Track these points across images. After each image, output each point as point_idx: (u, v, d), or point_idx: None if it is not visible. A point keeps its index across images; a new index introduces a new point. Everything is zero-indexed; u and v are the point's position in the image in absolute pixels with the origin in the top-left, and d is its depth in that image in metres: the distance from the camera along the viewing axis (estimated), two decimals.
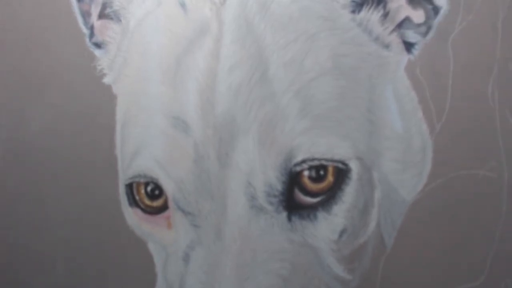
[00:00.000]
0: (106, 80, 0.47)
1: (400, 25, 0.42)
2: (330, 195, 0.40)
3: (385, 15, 0.42)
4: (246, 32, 0.41)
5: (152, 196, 0.43)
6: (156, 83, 0.43)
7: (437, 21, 0.42)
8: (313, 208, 0.40)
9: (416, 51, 0.42)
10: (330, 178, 0.40)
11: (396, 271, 0.42)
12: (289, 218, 0.40)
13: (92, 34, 0.48)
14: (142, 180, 0.43)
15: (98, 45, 0.48)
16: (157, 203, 0.43)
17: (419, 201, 0.42)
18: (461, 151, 0.42)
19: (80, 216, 0.47)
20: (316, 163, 0.39)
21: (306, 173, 0.40)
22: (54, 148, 0.48)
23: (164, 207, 0.43)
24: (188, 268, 0.41)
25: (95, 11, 0.47)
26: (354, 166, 0.40)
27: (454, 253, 0.42)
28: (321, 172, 0.40)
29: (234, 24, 0.41)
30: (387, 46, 0.42)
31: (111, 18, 0.47)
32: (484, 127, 0.42)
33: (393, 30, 0.42)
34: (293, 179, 0.40)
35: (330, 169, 0.40)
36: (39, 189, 0.48)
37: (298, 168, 0.39)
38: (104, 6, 0.47)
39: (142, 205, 0.44)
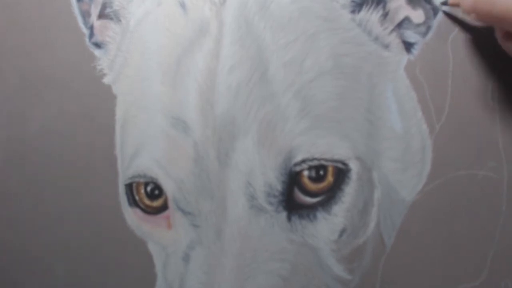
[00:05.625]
0: (106, 80, 0.47)
1: (399, 25, 0.42)
2: (330, 195, 0.40)
3: (385, 15, 0.42)
4: (246, 32, 0.41)
5: (152, 196, 0.43)
6: (156, 83, 0.43)
7: (436, 21, 0.42)
8: (313, 208, 0.40)
9: (415, 51, 0.42)
10: (329, 178, 0.40)
11: (396, 271, 0.42)
12: (289, 218, 0.40)
13: (92, 34, 0.48)
14: (141, 180, 0.43)
15: (98, 45, 0.48)
16: (157, 203, 0.43)
17: (419, 201, 0.42)
18: (461, 151, 0.42)
19: (79, 216, 0.47)
20: (315, 163, 0.39)
21: (305, 173, 0.40)
22: (54, 148, 0.48)
23: (164, 207, 0.43)
24: (188, 268, 0.41)
25: (94, 11, 0.47)
26: (353, 166, 0.40)
27: (454, 253, 0.42)
28: (321, 172, 0.40)
29: (234, 24, 0.41)
30: (386, 46, 0.42)
31: (111, 18, 0.47)
32: (484, 127, 0.42)
33: (393, 30, 0.42)
34: (292, 179, 0.40)
35: (330, 169, 0.40)
36: (38, 189, 0.48)
37: (297, 168, 0.39)
38: (104, 6, 0.47)
39: (142, 205, 0.44)
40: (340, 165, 0.40)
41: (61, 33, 0.48)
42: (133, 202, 0.44)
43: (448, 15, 0.42)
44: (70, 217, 0.48)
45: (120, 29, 0.46)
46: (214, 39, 0.41)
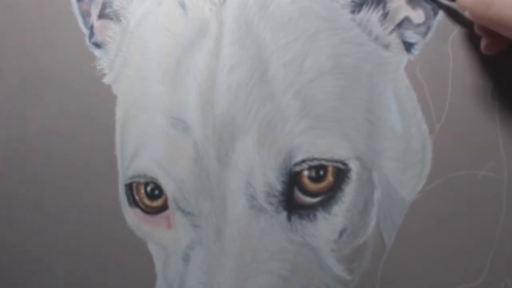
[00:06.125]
0: (106, 80, 0.47)
1: (399, 25, 0.42)
2: (330, 195, 0.40)
3: (385, 15, 0.42)
4: (246, 32, 0.41)
5: (152, 196, 0.43)
6: (156, 83, 0.43)
7: (436, 21, 0.42)
8: (313, 208, 0.40)
9: (415, 51, 0.42)
10: (329, 178, 0.40)
11: (396, 271, 0.42)
12: (289, 218, 0.40)
13: (92, 34, 0.48)
14: (141, 180, 0.43)
15: (98, 45, 0.48)
16: (157, 203, 0.43)
17: (418, 201, 0.42)
18: (461, 151, 0.42)
19: (79, 216, 0.47)
20: (316, 163, 0.39)
21: (305, 173, 0.40)
22: (54, 148, 0.48)
23: (164, 207, 0.43)
24: (188, 268, 0.41)
25: (94, 11, 0.47)
26: (353, 166, 0.40)
27: (454, 253, 0.42)
28: (321, 172, 0.40)
29: (234, 24, 0.41)
30: (386, 46, 0.42)
31: (111, 18, 0.47)
32: (484, 127, 0.42)
33: (393, 30, 0.42)
34: (292, 179, 0.40)
35: (330, 169, 0.40)
36: (38, 189, 0.48)
37: (297, 168, 0.39)
38: (104, 6, 0.47)
39: (142, 205, 0.44)
40: (340, 165, 0.40)
41: (61, 33, 0.48)
42: (133, 202, 0.44)
43: (449, 11, 0.42)
44: (70, 217, 0.48)
45: (120, 29, 0.46)
46: (214, 39, 0.41)
